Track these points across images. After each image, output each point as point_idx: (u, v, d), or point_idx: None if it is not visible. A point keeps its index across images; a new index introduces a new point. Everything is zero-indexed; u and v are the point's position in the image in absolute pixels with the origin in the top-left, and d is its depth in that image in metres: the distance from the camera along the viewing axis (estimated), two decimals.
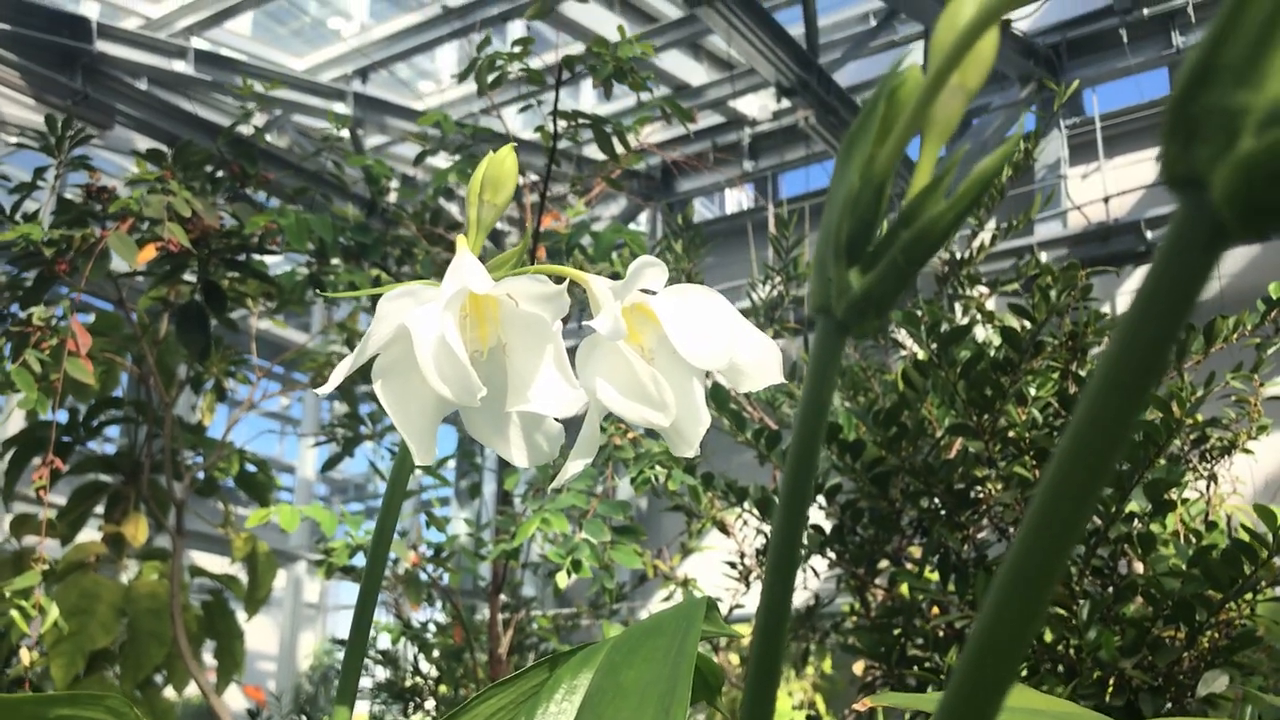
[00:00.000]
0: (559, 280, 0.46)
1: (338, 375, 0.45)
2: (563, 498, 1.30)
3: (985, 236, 2.13)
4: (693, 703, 0.65)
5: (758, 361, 0.48)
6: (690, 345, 0.46)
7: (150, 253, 1.52)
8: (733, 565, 2.10)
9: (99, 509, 2.56)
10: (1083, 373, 1.53)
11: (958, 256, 2.14)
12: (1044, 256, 5.45)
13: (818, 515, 1.67)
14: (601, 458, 1.41)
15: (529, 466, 0.50)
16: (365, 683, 2.96)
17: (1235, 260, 5.55)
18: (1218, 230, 0.17)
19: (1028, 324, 1.49)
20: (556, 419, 0.49)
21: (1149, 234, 5.56)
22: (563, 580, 1.25)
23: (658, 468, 1.39)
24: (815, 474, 0.27)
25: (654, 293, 0.49)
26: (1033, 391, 1.57)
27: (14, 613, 1.41)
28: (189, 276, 1.83)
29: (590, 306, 0.50)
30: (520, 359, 0.46)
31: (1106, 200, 5.88)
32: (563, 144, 1.60)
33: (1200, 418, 1.52)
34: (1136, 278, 5.95)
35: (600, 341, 0.48)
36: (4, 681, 2.24)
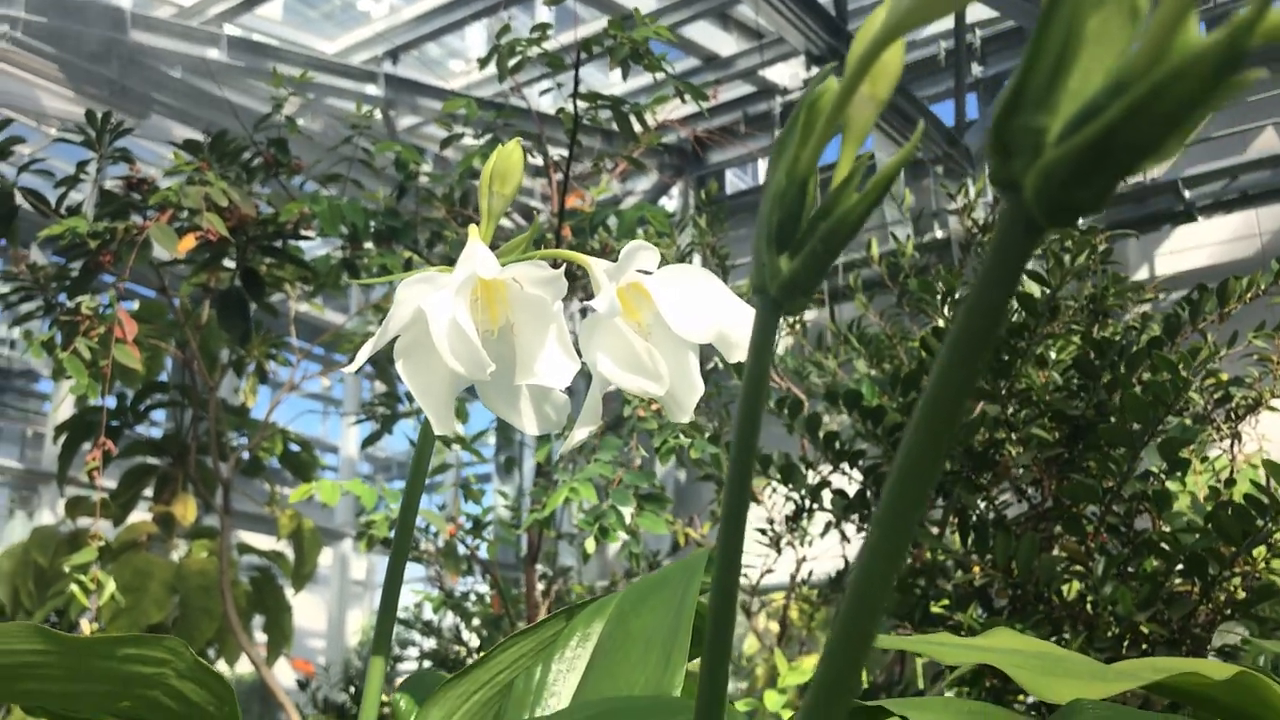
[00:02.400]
0: (558, 264, 0.50)
1: (363, 354, 0.50)
2: (590, 468, 1.35)
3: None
4: (696, 652, 0.70)
5: (745, 334, 0.53)
6: (680, 320, 0.50)
7: (190, 242, 1.58)
8: (762, 532, 2.15)
9: (148, 491, 2.65)
10: (1105, 334, 1.55)
11: (981, 223, 2.16)
12: (1079, 219, 5.41)
13: (840, 481, 1.70)
14: (626, 429, 1.46)
15: (539, 434, 0.55)
16: (411, 652, 3.04)
17: (1276, 219, 5.49)
18: (1031, 223, 0.21)
19: (1045, 289, 1.51)
20: (562, 391, 0.54)
21: (1187, 193, 5.50)
22: (590, 546, 1.31)
23: (681, 437, 1.43)
24: (759, 431, 0.31)
25: (650, 273, 0.53)
26: (1053, 355, 1.60)
27: (74, 587, 1.48)
28: (228, 263, 1.89)
29: (592, 287, 0.54)
30: (526, 337, 0.51)
31: None
32: (589, 122, 1.64)
33: (1225, 376, 1.54)
34: (1176, 238, 5.89)
35: (600, 319, 0.52)
36: None
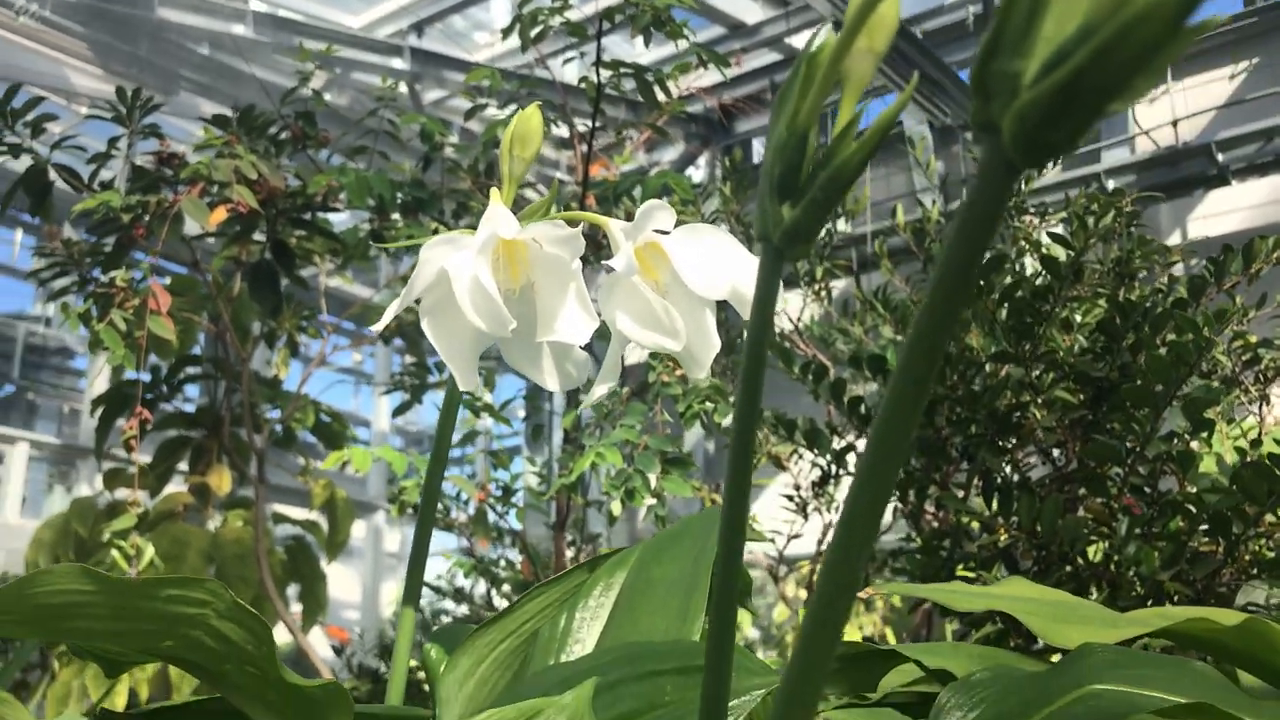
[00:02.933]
0: (576, 225, 0.52)
1: (388, 314, 0.52)
2: (616, 433, 1.37)
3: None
4: None
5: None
6: (695, 277, 0.52)
7: (221, 215, 1.60)
8: (789, 498, 2.16)
9: (184, 464, 2.69)
10: (1132, 297, 1.55)
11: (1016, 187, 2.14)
12: (1111, 184, 5.36)
13: (862, 445, 1.71)
14: (651, 395, 1.48)
15: (561, 390, 0.57)
16: (444, 619, 3.08)
17: None
18: (1009, 164, 0.22)
19: (1070, 251, 1.51)
20: (582, 348, 0.56)
21: (1220, 156, 5.43)
22: (617, 509, 1.33)
23: (706, 403, 1.45)
24: (763, 375, 0.32)
25: (667, 233, 0.55)
26: (1079, 318, 1.60)
27: (114, 553, 1.52)
28: (258, 236, 1.92)
29: (611, 248, 0.56)
30: (546, 295, 0.53)
31: (1175, 124, 5.73)
32: (613, 91, 1.65)
33: (1253, 339, 1.54)
34: (1209, 202, 5.82)
35: (618, 278, 0.54)
36: None
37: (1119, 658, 0.53)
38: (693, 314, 0.55)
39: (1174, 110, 5.83)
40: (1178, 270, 1.73)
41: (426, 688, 0.64)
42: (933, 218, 2.06)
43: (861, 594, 0.76)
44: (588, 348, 0.56)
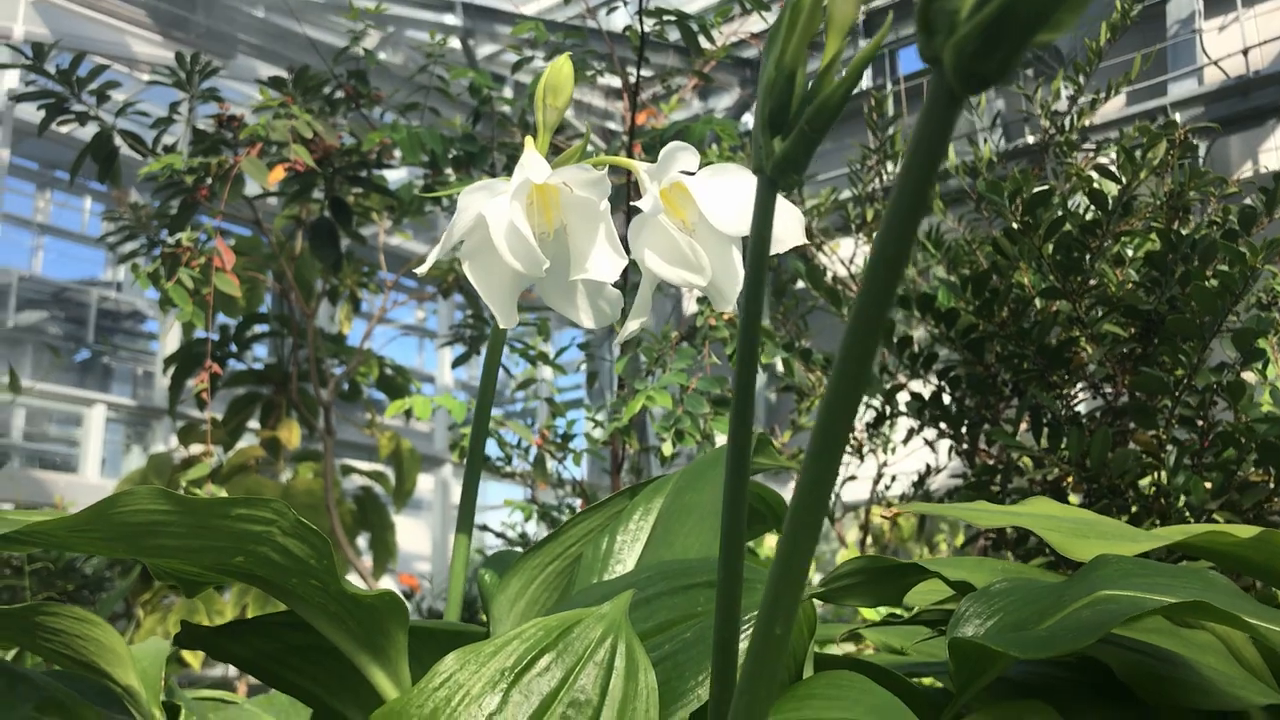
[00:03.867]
0: (603, 169, 0.55)
1: (432, 257, 0.56)
2: (666, 377, 1.40)
3: (1085, 102, 2.11)
4: (760, 531, 0.75)
5: (782, 226, 0.57)
6: (718, 214, 0.54)
7: (279, 174, 1.65)
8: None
9: (254, 422, 2.78)
10: (1185, 231, 1.54)
11: (1068, 124, 2.12)
12: (1179, 117, 5.23)
13: (922, 390, 1.73)
14: (699, 338, 1.51)
15: (595, 327, 0.60)
16: None
17: None
18: (951, 94, 0.25)
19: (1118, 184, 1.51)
20: (615, 286, 0.59)
21: None
22: (668, 450, 1.36)
23: (760, 349, 1.47)
24: (764, 295, 0.35)
25: (693, 174, 0.58)
26: (1130, 253, 1.59)
27: None
28: (317, 195, 1.97)
29: (640, 190, 0.59)
30: (578, 236, 0.56)
31: (1246, 53, 5.56)
32: (657, 39, 1.66)
33: None
34: None
35: (647, 219, 0.57)
36: None
37: (1133, 568, 0.55)
38: (718, 250, 0.57)
39: (1244, 38, 5.66)
40: (1246, 200, 1.71)
41: (483, 616, 0.68)
42: (984, 157, 2.05)
43: (886, 513, 0.79)
44: (618, 283, 0.59)
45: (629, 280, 1.27)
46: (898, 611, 0.63)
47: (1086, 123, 2.16)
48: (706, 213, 0.55)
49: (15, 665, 0.52)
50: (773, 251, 0.58)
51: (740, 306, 0.35)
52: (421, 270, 0.56)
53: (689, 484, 0.63)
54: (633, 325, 0.58)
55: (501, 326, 0.57)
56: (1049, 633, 0.49)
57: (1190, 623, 0.62)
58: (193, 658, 2.22)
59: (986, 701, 0.53)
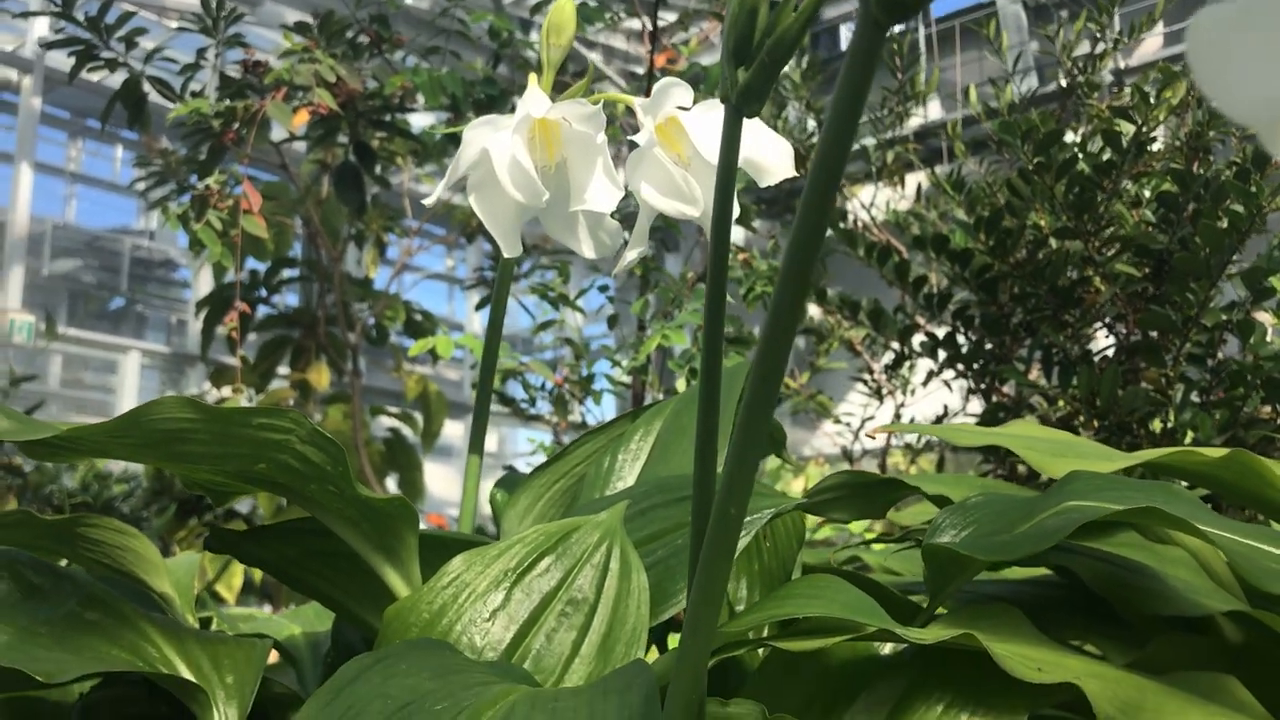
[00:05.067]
0: (600, 104, 0.57)
1: (439, 189, 0.59)
2: (682, 316, 1.44)
3: (1109, 44, 2.10)
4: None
5: (773, 159, 0.59)
6: (711, 148, 0.57)
7: (304, 116, 1.68)
8: (863, 382, 2.21)
9: (283, 369, 2.83)
10: (1204, 173, 1.55)
11: (1091, 65, 2.11)
12: None
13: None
14: None
15: (596, 258, 0.63)
16: None
17: None
18: (875, 22, 0.28)
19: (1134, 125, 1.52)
20: (614, 217, 0.62)
21: None
22: (682, 385, 1.40)
23: (769, 285, 1.50)
24: (731, 223, 0.38)
25: (688, 109, 0.60)
26: (1147, 194, 1.60)
27: None
28: (342, 139, 2.00)
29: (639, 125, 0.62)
30: (577, 169, 0.59)
31: None
32: None
33: None
34: None
35: (644, 152, 0.59)
36: (223, 514, 2.57)
37: (1104, 483, 0.58)
38: (711, 182, 0.60)
39: None
40: None
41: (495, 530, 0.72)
42: (1005, 99, 2.05)
43: (869, 432, 0.82)
44: (615, 213, 0.62)
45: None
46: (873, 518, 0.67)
47: (1122, 65, 2.15)
48: (699, 146, 0.58)
49: (60, 566, 0.56)
50: (764, 183, 0.61)
51: (711, 228, 0.38)
52: (429, 202, 0.60)
53: (686, 407, 0.67)
54: (630, 255, 0.61)
55: (506, 256, 0.61)
56: (1014, 539, 0.52)
57: (1164, 538, 0.65)
58: (227, 591, 2.29)
59: (961, 608, 0.57)
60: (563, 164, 0.60)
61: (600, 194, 0.58)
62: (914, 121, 2.61)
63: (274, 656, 0.81)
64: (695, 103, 0.60)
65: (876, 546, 1.37)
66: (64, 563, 0.64)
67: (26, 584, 0.54)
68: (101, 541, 0.64)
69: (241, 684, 0.52)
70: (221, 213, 1.59)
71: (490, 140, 0.57)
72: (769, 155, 0.59)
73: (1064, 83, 2.04)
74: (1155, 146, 1.59)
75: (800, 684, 0.53)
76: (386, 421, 3.14)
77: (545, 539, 0.54)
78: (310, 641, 0.73)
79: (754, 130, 0.59)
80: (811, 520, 2.17)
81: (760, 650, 0.56)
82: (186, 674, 0.51)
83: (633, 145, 0.60)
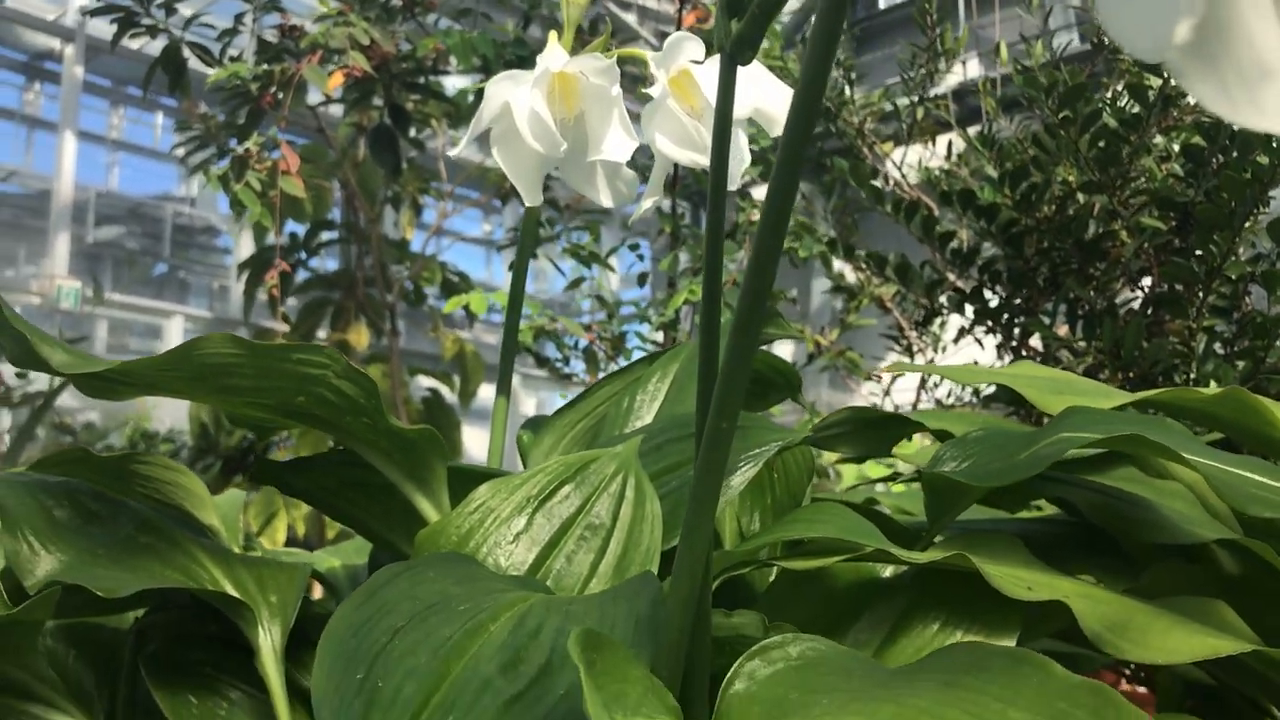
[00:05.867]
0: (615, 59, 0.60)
1: (464, 141, 0.62)
2: None
3: None
4: (774, 399, 0.82)
5: (781, 108, 0.62)
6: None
7: (339, 79, 1.72)
8: (894, 339, 2.23)
9: (323, 332, 2.89)
10: (1237, 128, 1.55)
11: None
12: None
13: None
14: (740, 234, 1.56)
15: (613, 206, 0.66)
16: None
17: None
18: None
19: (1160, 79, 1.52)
20: (630, 168, 0.65)
21: None
22: None
23: (796, 242, 1.52)
24: (727, 169, 0.41)
25: (700, 62, 0.63)
26: (1175, 148, 1.61)
27: None
28: (377, 102, 2.04)
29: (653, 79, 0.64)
30: (594, 121, 0.62)
31: None
32: None
33: None
34: None
35: (658, 105, 0.62)
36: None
37: (1100, 417, 0.61)
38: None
39: None
40: None
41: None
42: (1036, 53, 2.04)
43: (877, 371, 0.85)
44: (630, 162, 0.65)
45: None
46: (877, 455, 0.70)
47: None
48: (711, 98, 0.61)
49: (116, 497, 0.61)
50: (774, 133, 0.64)
51: (709, 171, 0.41)
52: (454, 153, 0.63)
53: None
54: (646, 204, 0.65)
55: (528, 204, 0.64)
56: (1007, 466, 0.55)
57: (1162, 473, 0.68)
58: (269, 544, 2.36)
59: (959, 535, 0.60)
60: (581, 116, 0.63)
61: (616, 144, 0.61)
62: (953, 79, 2.60)
63: (318, 591, 0.86)
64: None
65: (896, 488, 1.40)
66: None
67: (86, 511, 0.58)
68: (152, 478, 0.68)
69: (284, 603, 0.57)
70: (260, 174, 1.63)
71: (512, 94, 0.60)
72: (777, 105, 0.62)
73: (1095, 39, 2.03)
74: (1188, 101, 1.59)
75: (805, 604, 0.56)
76: (425, 382, 3.19)
77: (565, 469, 0.58)
78: (349, 573, 0.78)
79: (762, 81, 0.62)
80: (848, 476, 2.20)
81: (769, 573, 0.59)
82: (233, 592, 0.55)
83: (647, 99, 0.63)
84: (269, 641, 0.55)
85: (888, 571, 0.57)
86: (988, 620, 0.54)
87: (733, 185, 0.64)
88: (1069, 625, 0.55)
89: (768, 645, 0.39)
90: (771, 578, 0.61)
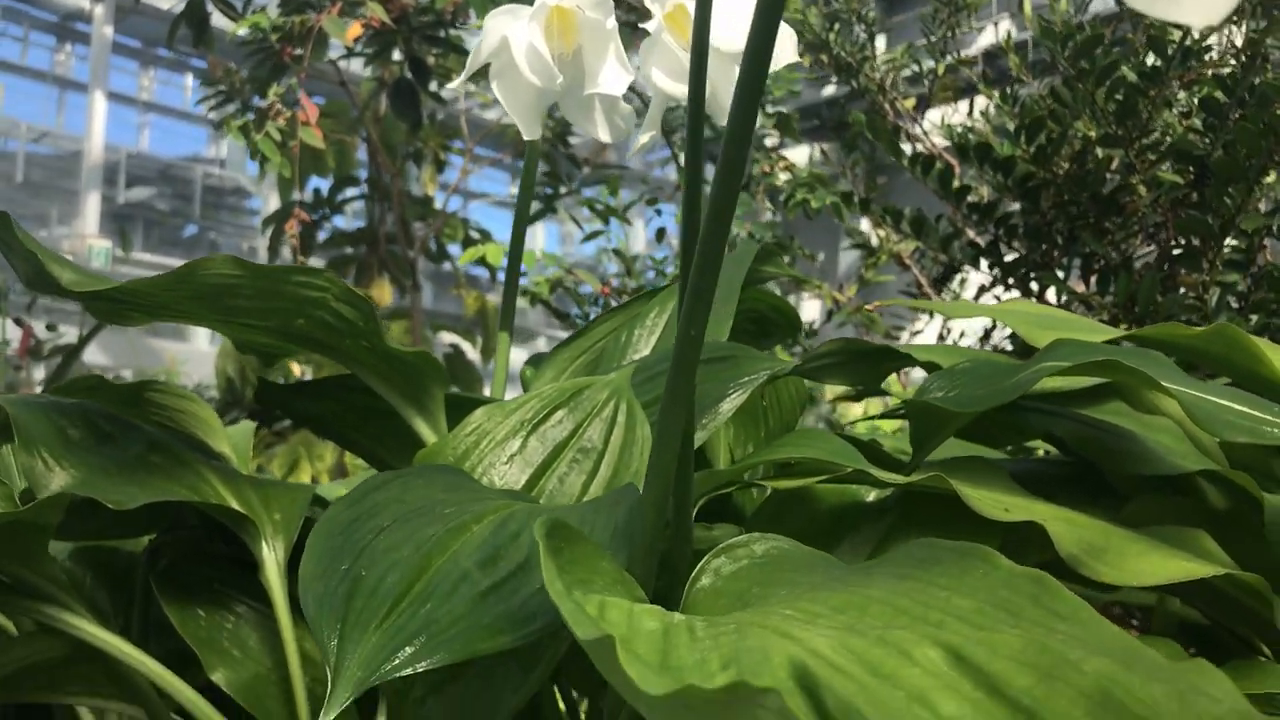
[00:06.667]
0: None
1: (464, 74, 0.64)
2: None
3: None
4: (775, 339, 0.83)
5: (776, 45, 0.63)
6: (718, 34, 0.61)
7: (356, 30, 1.73)
8: (911, 294, 2.23)
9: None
10: (1257, 81, 1.54)
11: None
12: None
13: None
14: (754, 186, 1.57)
15: (612, 141, 0.68)
16: None
17: None
18: None
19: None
20: (625, 103, 0.66)
21: None
22: None
23: (807, 192, 1.53)
24: (705, 92, 0.42)
25: None
26: (1195, 102, 1.60)
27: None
28: (398, 57, 2.05)
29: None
30: (591, 56, 0.63)
31: None
32: None
33: None
34: None
35: (655, 40, 0.63)
36: (288, 426, 2.67)
37: (1084, 349, 0.62)
38: (719, 68, 0.64)
39: None
40: None
41: None
42: (1060, 7, 2.03)
43: (869, 306, 0.86)
44: (626, 93, 0.66)
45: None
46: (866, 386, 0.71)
47: None
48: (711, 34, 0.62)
49: (129, 419, 0.63)
50: (770, 68, 0.64)
51: (687, 100, 0.43)
52: (453, 86, 0.64)
53: None
54: (643, 138, 0.66)
55: (526, 138, 0.65)
56: (988, 393, 0.56)
57: (1151, 408, 0.69)
58: None
59: (942, 461, 0.61)
60: (579, 51, 0.64)
61: (612, 78, 0.62)
62: (985, 39, 2.59)
63: None
64: None
65: (885, 426, 1.41)
66: None
67: (99, 431, 0.60)
68: (166, 405, 0.70)
69: (288, 520, 0.59)
70: (280, 124, 1.65)
71: (510, 28, 0.61)
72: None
73: None
74: (1211, 55, 1.57)
75: (791, 525, 0.58)
76: (448, 338, 3.23)
77: (559, 395, 0.59)
78: None
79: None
80: (849, 417, 2.21)
81: (759, 497, 0.61)
82: (238, 508, 0.57)
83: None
84: (273, 556, 0.57)
85: (871, 495, 0.59)
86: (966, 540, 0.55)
87: (721, 120, 0.65)
88: (1052, 558, 0.56)
89: (733, 544, 0.40)
90: (760, 501, 0.62)
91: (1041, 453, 0.83)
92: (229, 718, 0.58)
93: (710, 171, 0.50)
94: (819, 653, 0.29)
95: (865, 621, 0.32)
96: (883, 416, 0.77)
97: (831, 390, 1.89)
